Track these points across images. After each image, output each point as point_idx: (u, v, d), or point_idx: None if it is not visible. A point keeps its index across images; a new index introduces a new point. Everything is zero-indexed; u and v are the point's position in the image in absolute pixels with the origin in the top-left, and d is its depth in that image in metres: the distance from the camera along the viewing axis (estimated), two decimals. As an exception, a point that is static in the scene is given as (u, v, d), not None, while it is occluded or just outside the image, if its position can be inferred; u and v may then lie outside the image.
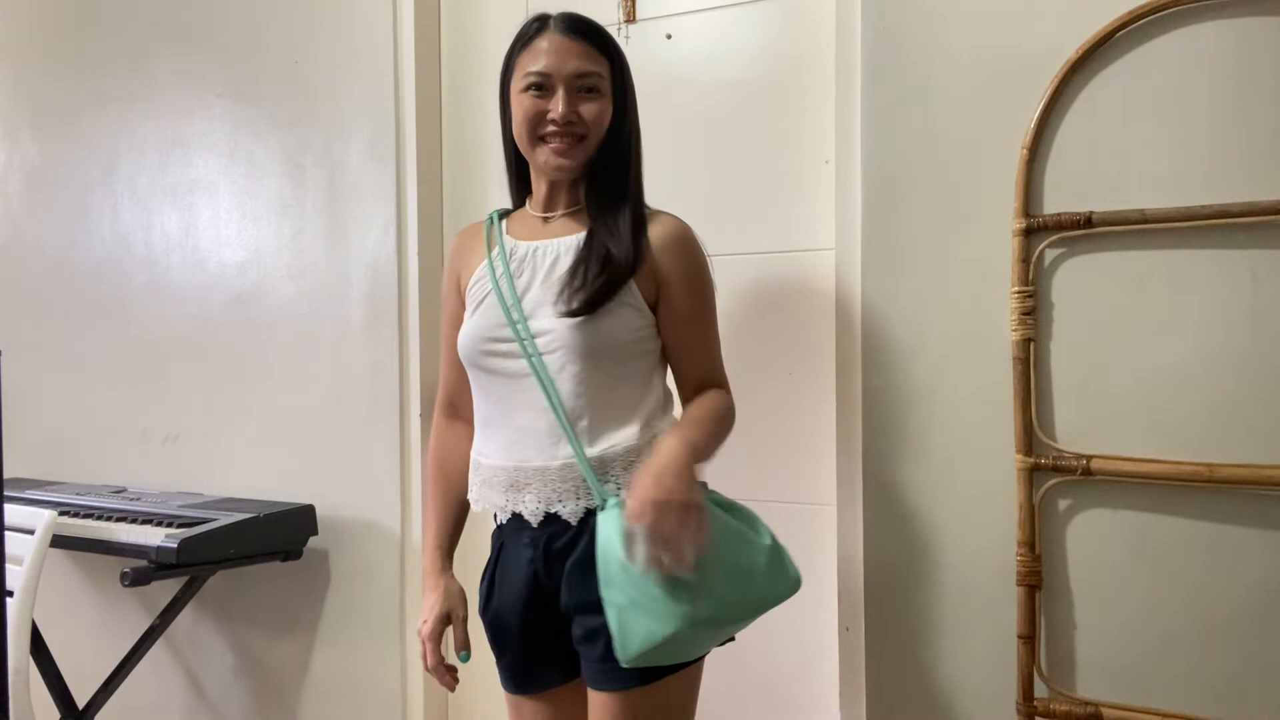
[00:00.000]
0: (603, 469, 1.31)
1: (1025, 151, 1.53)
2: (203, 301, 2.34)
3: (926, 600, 1.62)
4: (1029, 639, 1.53)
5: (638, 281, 1.34)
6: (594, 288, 1.31)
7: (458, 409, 1.50)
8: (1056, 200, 1.52)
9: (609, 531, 1.23)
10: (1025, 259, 1.52)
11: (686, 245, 1.38)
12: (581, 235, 1.37)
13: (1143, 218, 1.45)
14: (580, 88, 1.36)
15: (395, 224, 2.10)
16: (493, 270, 1.39)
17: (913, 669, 1.63)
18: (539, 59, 1.35)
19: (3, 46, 2.63)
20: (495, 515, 1.42)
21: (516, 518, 1.36)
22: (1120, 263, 1.49)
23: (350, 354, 2.15)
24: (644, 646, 1.21)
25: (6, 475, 1.68)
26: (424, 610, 1.47)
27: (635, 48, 1.87)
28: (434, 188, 2.13)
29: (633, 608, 1.21)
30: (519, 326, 1.33)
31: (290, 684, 2.25)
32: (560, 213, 1.42)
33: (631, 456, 1.31)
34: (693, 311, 1.38)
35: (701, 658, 1.34)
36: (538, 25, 1.39)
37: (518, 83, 1.38)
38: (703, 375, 1.40)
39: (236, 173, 2.30)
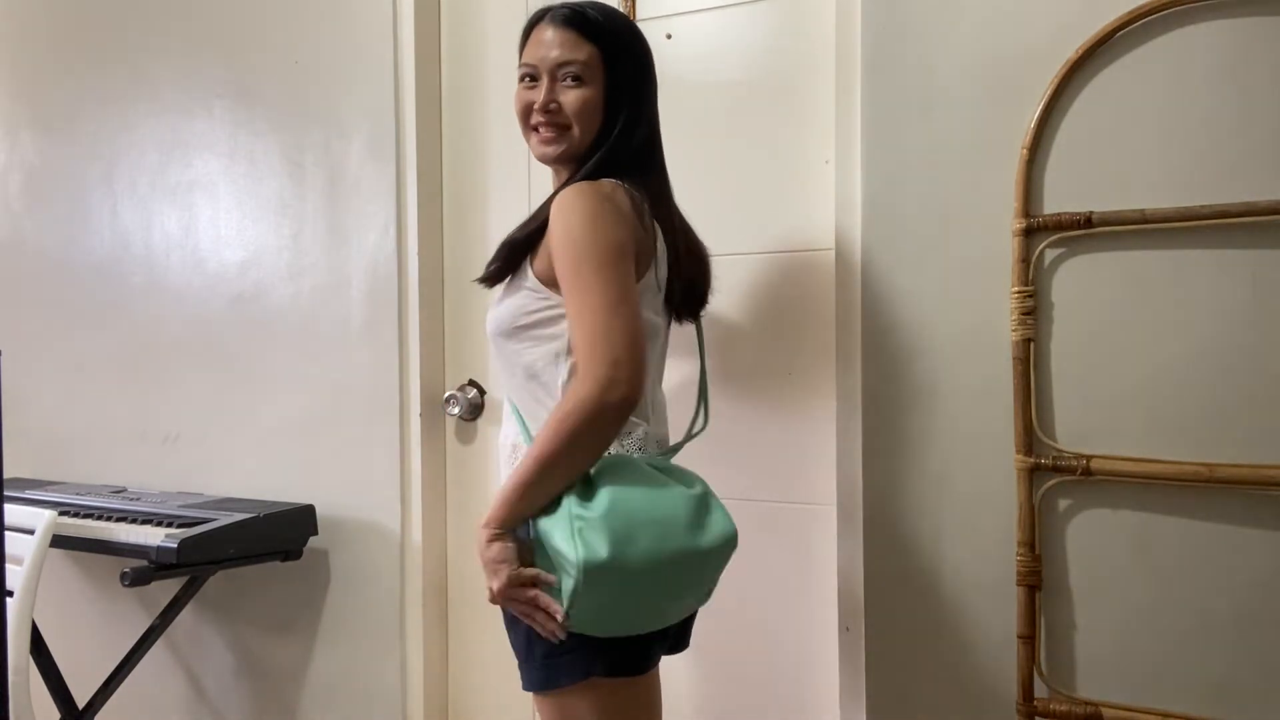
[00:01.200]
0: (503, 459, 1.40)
1: (1025, 151, 1.53)
2: (203, 302, 2.34)
3: (926, 600, 1.62)
4: (1029, 639, 1.53)
5: (535, 261, 1.34)
6: (486, 272, 1.41)
7: None
8: (1056, 200, 1.52)
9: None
10: (1025, 259, 1.52)
11: (561, 208, 1.28)
12: None
13: (1143, 218, 1.45)
14: (563, 76, 1.38)
15: (395, 224, 2.10)
16: None
17: (913, 669, 1.63)
18: (530, 50, 1.41)
19: (3, 46, 2.63)
20: None
21: None
22: (1120, 263, 1.49)
23: (350, 354, 2.15)
24: (566, 605, 1.21)
25: (6, 475, 1.68)
26: None
27: (635, 48, 1.87)
28: (434, 188, 2.13)
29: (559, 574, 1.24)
30: None
31: (290, 684, 2.25)
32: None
33: (511, 452, 1.38)
34: (564, 280, 1.26)
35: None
36: (536, 19, 1.43)
37: (517, 74, 1.43)
38: (580, 358, 1.23)
39: (236, 173, 2.29)
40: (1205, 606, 1.45)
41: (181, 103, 2.36)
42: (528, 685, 1.33)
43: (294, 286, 2.22)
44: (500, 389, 2.09)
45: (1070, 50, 1.49)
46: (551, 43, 1.38)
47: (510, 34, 2.06)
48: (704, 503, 1.29)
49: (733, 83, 1.83)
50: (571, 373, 1.30)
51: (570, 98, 1.38)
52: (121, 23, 2.44)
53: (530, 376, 1.35)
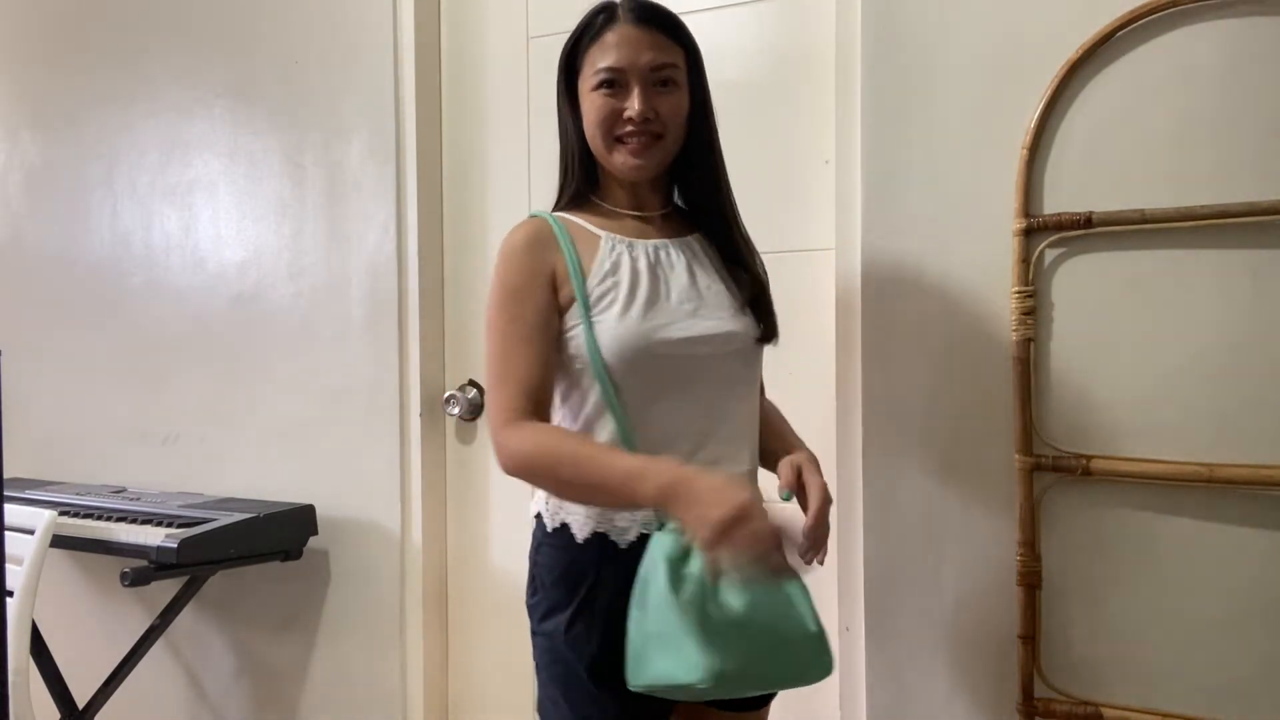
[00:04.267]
0: None
1: (1025, 151, 1.53)
2: (203, 301, 2.34)
3: (926, 600, 1.62)
4: (1029, 639, 1.53)
5: None
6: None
7: (541, 407, 1.26)
8: (1056, 200, 1.52)
9: (658, 555, 1.17)
10: (1025, 259, 1.52)
11: None
12: (691, 238, 1.36)
13: (1143, 218, 1.45)
14: (655, 81, 1.27)
15: (395, 224, 2.10)
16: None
17: (913, 669, 1.63)
18: (609, 53, 1.26)
19: (3, 46, 2.63)
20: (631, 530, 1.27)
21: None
22: (1120, 263, 1.49)
23: (350, 354, 2.15)
24: (655, 682, 1.14)
25: (6, 475, 1.68)
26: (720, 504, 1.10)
27: (635, 48, 1.86)
28: (434, 188, 2.13)
29: (658, 640, 1.13)
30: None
31: (290, 684, 2.25)
32: (658, 212, 1.37)
33: None
34: None
35: None
36: (605, 16, 1.28)
37: (588, 80, 1.29)
38: None
39: (236, 173, 2.29)
40: (1205, 606, 1.45)
41: (181, 103, 2.36)
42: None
43: (294, 286, 2.22)
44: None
45: (1070, 50, 1.49)
46: (640, 43, 1.26)
47: (510, 34, 2.07)
48: (821, 637, 1.21)
49: (732, 83, 1.83)
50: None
51: (665, 104, 1.27)
52: (121, 23, 2.44)
53: None
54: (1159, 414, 1.47)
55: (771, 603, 1.16)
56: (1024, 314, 1.52)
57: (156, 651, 2.29)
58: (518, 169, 2.05)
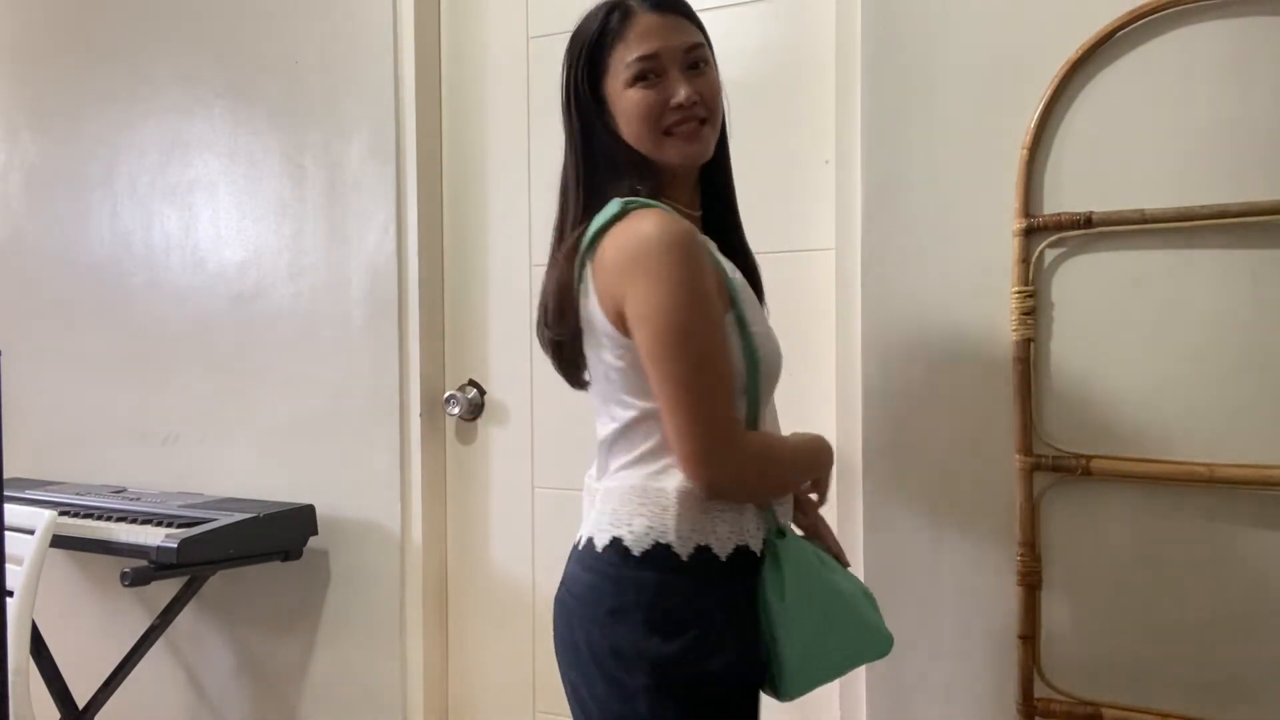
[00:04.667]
0: None
1: (1025, 151, 1.53)
2: (203, 301, 2.34)
3: (926, 600, 1.62)
4: (1029, 639, 1.53)
5: None
6: None
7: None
8: (1056, 200, 1.52)
9: (802, 554, 1.22)
10: (1025, 259, 1.52)
11: None
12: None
13: (1143, 218, 1.45)
14: (689, 64, 1.22)
15: (395, 224, 2.10)
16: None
17: (913, 669, 1.63)
18: (639, 43, 1.21)
19: (3, 46, 2.63)
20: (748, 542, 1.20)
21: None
22: (1120, 263, 1.49)
23: (350, 354, 2.15)
24: (834, 675, 1.23)
25: (6, 475, 1.68)
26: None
27: (635, 48, 1.86)
28: (434, 188, 2.13)
29: (829, 634, 1.20)
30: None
31: (290, 684, 2.25)
32: (699, 212, 1.32)
33: None
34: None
35: None
36: (620, 13, 1.23)
37: (619, 78, 1.22)
38: None
39: (236, 173, 2.29)
40: (1205, 606, 1.45)
41: (181, 103, 2.36)
42: None
43: (294, 286, 2.22)
44: (502, 390, 2.09)
45: (1070, 50, 1.49)
46: (668, 28, 1.21)
47: (511, 34, 2.07)
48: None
49: (733, 83, 1.82)
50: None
51: (706, 86, 1.23)
52: (121, 23, 2.44)
53: None
54: (1159, 414, 1.47)
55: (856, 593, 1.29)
56: (1024, 314, 1.52)
57: (156, 651, 2.29)
58: (518, 169, 2.05)
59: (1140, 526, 1.48)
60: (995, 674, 1.57)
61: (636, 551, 1.15)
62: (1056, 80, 1.50)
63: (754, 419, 1.20)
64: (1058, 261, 1.52)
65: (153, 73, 2.40)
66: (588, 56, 1.25)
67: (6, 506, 1.67)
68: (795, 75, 1.78)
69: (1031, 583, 1.53)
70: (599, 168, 1.25)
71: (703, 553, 1.15)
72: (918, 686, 1.63)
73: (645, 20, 1.21)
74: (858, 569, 1.66)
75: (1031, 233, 1.52)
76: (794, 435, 1.28)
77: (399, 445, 2.10)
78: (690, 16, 1.26)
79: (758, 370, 1.18)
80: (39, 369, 2.56)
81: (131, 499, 2.22)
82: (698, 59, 1.23)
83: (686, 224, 1.17)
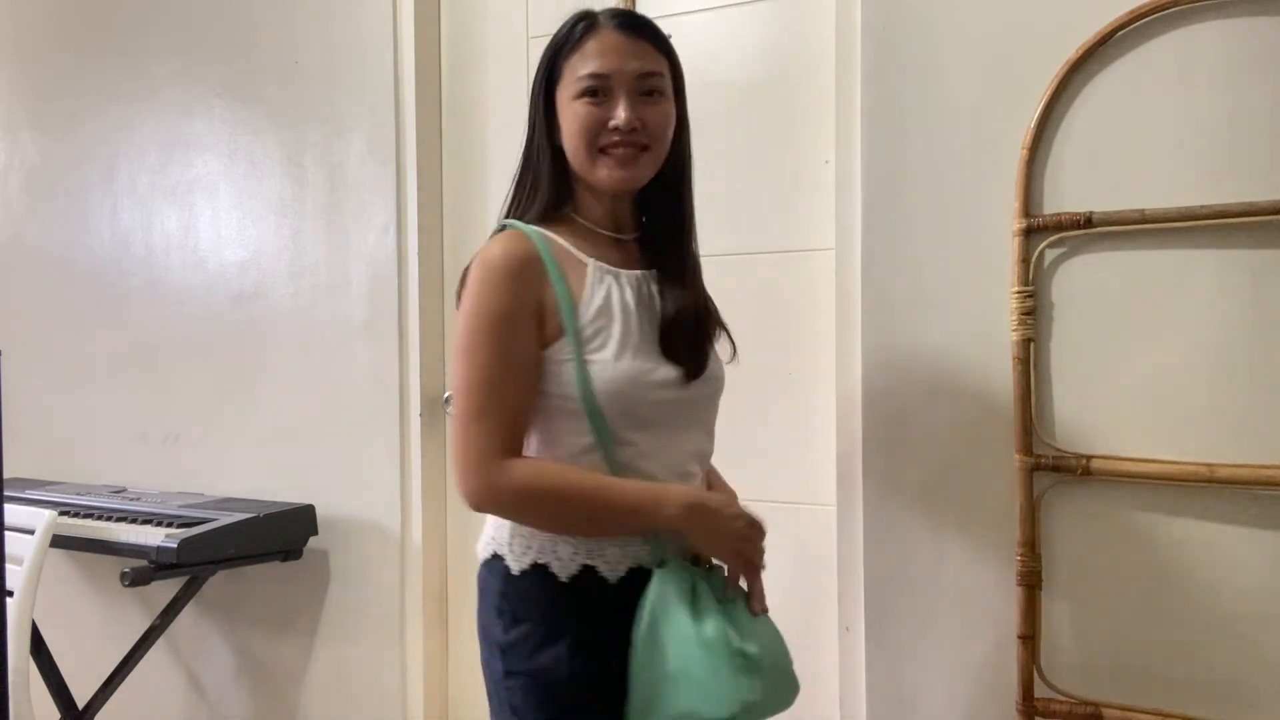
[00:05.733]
0: None
1: (1025, 151, 1.52)
2: (203, 301, 2.34)
3: (926, 600, 1.61)
4: (1029, 639, 1.52)
5: None
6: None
7: (520, 445, 1.22)
8: (1056, 200, 1.52)
9: (670, 592, 1.16)
10: (1025, 259, 1.52)
11: None
12: (649, 272, 1.27)
13: (1143, 218, 1.45)
14: (642, 90, 1.21)
15: (395, 224, 2.10)
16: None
17: (913, 669, 1.63)
18: (593, 59, 1.20)
19: (3, 46, 2.63)
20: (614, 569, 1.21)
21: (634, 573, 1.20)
22: (1120, 263, 1.49)
23: (350, 354, 2.15)
24: None
25: (6, 475, 1.68)
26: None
27: (635, 48, 1.87)
28: (434, 188, 2.13)
29: (678, 678, 1.12)
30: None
31: (290, 684, 2.25)
32: (632, 236, 1.29)
33: None
34: None
35: None
36: (586, 24, 1.22)
37: (568, 89, 1.22)
38: None
39: (236, 173, 2.29)
40: (1205, 606, 1.45)
41: (181, 103, 2.36)
42: None
43: (294, 286, 2.22)
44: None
45: (1070, 50, 1.49)
46: (626, 51, 1.20)
47: (510, 35, 2.07)
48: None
49: (733, 83, 1.83)
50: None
51: (652, 114, 1.21)
52: (121, 22, 2.44)
53: None
54: (1159, 414, 1.47)
55: (771, 632, 1.24)
56: (1024, 314, 1.52)
57: (156, 651, 2.29)
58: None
59: (1140, 526, 1.48)
60: (995, 674, 1.57)
61: (484, 555, 1.26)
62: (1056, 80, 1.50)
63: (607, 448, 1.18)
64: (1058, 261, 1.52)
65: (153, 73, 2.40)
66: (549, 61, 1.26)
67: (6, 506, 1.67)
68: (795, 75, 1.78)
69: (1031, 583, 1.52)
70: (527, 169, 1.29)
71: (539, 570, 1.19)
72: (918, 686, 1.63)
73: (608, 38, 1.21)
74: (858, 569, 1.66)
75: (1031, 233, 1.52)
76: (622, 481, 1.18)
77: (399, 445, 2.10)
78: (659, 44, 1.25)
79: (594, 399, 1.16)
80: (39, 369, 2.56)
81: (131, 499, 2.22)
82: (652, 87, 1.22)
83: (521, 250, 1.19)
